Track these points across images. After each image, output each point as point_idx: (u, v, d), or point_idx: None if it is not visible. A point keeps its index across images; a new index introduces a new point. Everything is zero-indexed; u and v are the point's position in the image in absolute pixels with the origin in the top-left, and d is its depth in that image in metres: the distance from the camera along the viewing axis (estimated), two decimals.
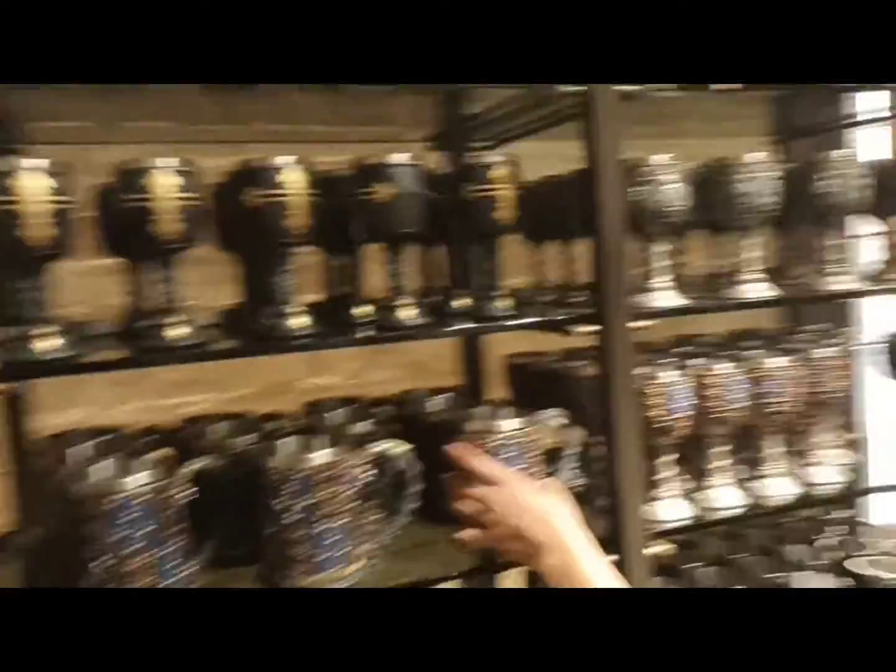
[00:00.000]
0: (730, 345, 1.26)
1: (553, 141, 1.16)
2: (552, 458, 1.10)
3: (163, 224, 0.87)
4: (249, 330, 0.97)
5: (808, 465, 1.26)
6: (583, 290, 1.12)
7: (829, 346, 1.26)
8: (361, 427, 1.11)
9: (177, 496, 0.90)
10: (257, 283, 1.10)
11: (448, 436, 1.07)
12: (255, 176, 0.90)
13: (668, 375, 1.11)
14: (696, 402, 1.13)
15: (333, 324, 1.02)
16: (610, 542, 1.04)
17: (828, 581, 1.31)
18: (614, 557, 1.03)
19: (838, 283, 1.20)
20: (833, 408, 1.26)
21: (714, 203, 1.13)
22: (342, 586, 0.95)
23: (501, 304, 1.05)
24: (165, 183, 0.87)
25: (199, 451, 1.01)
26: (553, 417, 1.07)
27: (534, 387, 1.29)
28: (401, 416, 1.16)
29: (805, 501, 1.27)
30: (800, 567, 1.40)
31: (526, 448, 1.04)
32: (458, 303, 1.10)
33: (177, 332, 0.91)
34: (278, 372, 1.65)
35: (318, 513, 0.93)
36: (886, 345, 1.38)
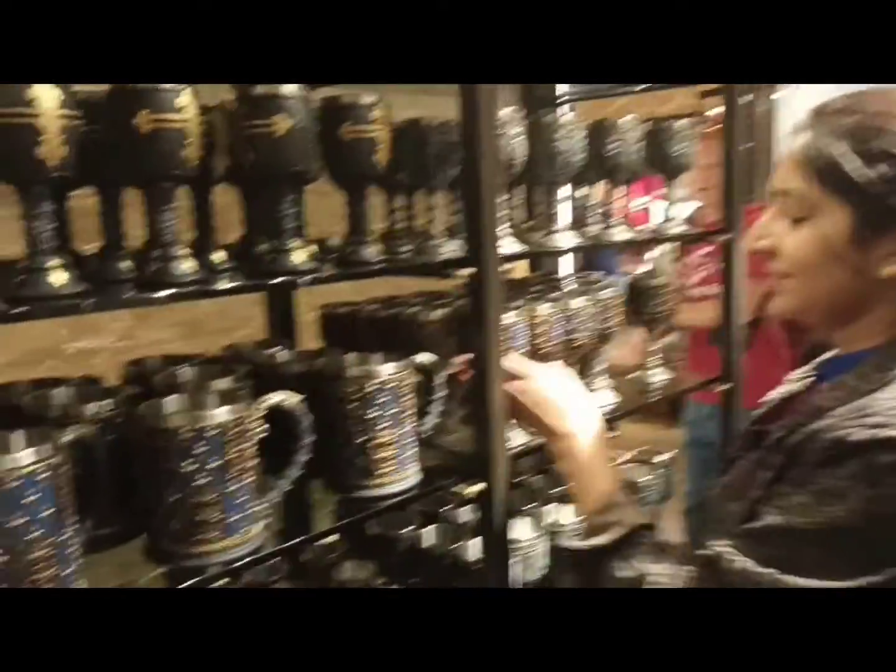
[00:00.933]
0: (544, 289, 1.39)
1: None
2: (422, 397, 1.14)
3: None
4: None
5: (594, 390, 1.46)
6: (448, 235, 1.16)
7: (606, 288, 1.46)
8: (222, 384, 1.03)
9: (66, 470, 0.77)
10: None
11: (324, 385, 1.05)
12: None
13: (507, 316, 1.20)
14: (528, 341, 1.24)
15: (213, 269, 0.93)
16: (479, 470, 1.11)
17: None
18: (483, 485, 1.11)
19: (624, 234, 1.39)
20: (610, 340, 1.47)
21: (537, 158, 1.24)
22: (250, 548, 0.90)
23: (373, 250, 1.05)
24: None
25: (55, 422, 0.87)
26: (419, 359, 1.11)
27: (364, 334, 1.30)
28: (260, 370, 1.09)
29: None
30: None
31: (401, 390, 1.06)
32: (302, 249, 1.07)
33: (58, 278, 0.77)
34: (35, 337, 1.42)
35: (230, 471, 0.86)
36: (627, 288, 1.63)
